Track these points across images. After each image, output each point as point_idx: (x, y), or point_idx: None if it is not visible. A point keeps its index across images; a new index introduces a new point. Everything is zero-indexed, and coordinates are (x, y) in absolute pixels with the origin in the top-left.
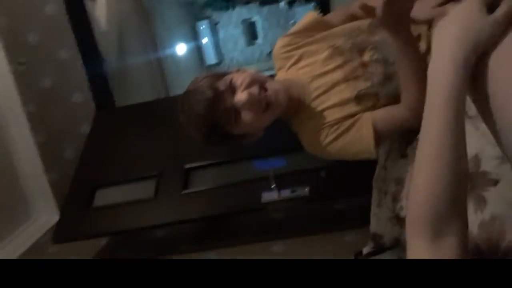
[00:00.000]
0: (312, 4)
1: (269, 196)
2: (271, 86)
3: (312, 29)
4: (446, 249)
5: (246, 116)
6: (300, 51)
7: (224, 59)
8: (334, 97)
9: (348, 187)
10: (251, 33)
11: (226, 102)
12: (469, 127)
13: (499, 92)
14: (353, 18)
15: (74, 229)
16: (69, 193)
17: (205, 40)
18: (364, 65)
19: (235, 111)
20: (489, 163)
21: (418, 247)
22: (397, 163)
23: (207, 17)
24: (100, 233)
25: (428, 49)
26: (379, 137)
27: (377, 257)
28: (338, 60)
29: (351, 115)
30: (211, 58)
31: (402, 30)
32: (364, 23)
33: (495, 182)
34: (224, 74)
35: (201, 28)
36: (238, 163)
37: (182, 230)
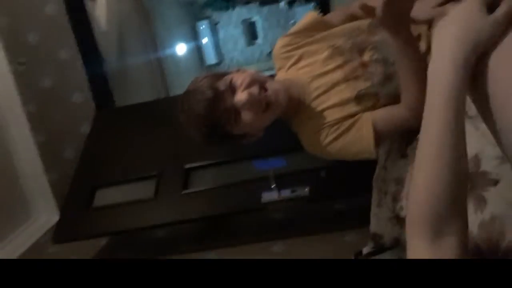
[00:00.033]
0: (312, 4)
1: (269, 196)
2: (271, 86)
3: (312, 29)
4: (446, 249)
5: (246, 116)
6: (300, 51)
7: (224, 59)
8: (334, 97)
9: (348, 187)
10: (251, 33)
11: (226, 102)
12: (469, 127)
13: (499, 92)
14: (353, 18)
15: (74, 229)
16: (69, 193)
17: (205, 40)
18: (364, 65)
19: (235, 111)
20: (489, 163)
21: (418, 247)
22: (397, 163)
23: (207, 17)
24: (100, 233)
25: (428, 49)
26: (379, 137)
27: (377, 257)
28: (338, 60)
29: (351, 115)
30: (211, 58)
31: (402, 30)
32: (364, 23)
33: (495, 182)
34: (224, 74)
35: (201, 28)
36: (238, 163)
37: (182, 230)
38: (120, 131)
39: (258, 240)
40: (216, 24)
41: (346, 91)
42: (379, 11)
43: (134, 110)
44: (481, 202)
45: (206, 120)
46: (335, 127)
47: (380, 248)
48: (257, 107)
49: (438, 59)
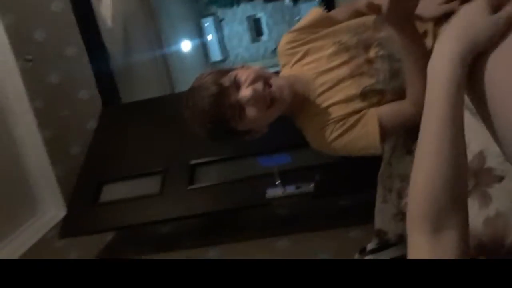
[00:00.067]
0: (317, 0)
1: (274, 192)
2: (275, 82)
3: (317, 25)
4: (446, 243)
5: (250, 112)
6: (305, 48)
7: (229, 56)
8: (339, 94)
9: (353, 184)
10: (256, 29)
11: (230, 98)
12: (474, 124)
13: (496, 93)
14: (358, 14)
15: (81, 224)
16: (76, 188)
17: (210, 37)
18: (369, 61)
19: (240, 107)
20: (494, 160)
21: (418, 242)
22: (403, 159)
23: (212, 14)
24: (106, 228)
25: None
26: (384, 132)
27: (381, 253)
28: (344, 57)
29: (357, 111)
30: (216, 54)
31: (407, 27)
32: (370, 19)
33: (500, 179)
34: (228, 71)
35: (206, 25)
36: (243, 159)
37: (187, 225)
38: (126, 127)
39: (263, 236)
40: (221, 21)
41: (351, 88)
42: (385, 8)
43: (140, 107)
44: (486, 198)
45: (210, 116)
46: (341, 123)
47: (384, 244)
48: (261, 103)
49: (437, 56)
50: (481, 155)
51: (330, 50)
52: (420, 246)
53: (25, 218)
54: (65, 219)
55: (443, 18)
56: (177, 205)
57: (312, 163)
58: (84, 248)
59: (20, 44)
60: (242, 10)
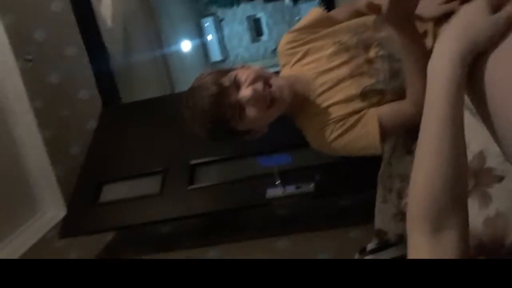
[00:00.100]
0: (317, 0)
1: (274, 192)
2: (275, 82)
3: (317, 25)
4: (446, 243)
5: (250, 112)
6: (305, 48)
7: (229, 56)
8: (339, 94)
9: (353, 184)
10: (256, 29)
11: (230, 98)
12: (474, 124)
13: (496, 93)
14: (358, 14)
15: (81, 224)
16: (76, 188)
17: (210, 37)
18: (369, 61)
19: (240, 107)
20: (494, 160)
21: (418, 242)
22: (403, 159)
23: (212, 14)
24: (107, 228)
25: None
26: (384, 132)
27: (381, 253)
28: (344, 57)
29: (357, 111)
30: (216, 54)
31: (407, 27)
32: (370, 19)
33: (500, 179)
34: (228, 71)
35: (206, 25)
36: (243, 159)
37: (187, 225)
38: (126, 127)
39: (263, 236)
40: (221, 21)
41: (351, 88)
42: (385, 8)
43: (140, 107)
44: (486, 198)
45: (210, 116)
46: (341, 123)
47: (384, 244)
48: (261, 103)
49: (437, 56)
50: (481, 155)
51: (330, 50)
52: (420, 246)
53: (25, 218)
54: (65, 219)
55: (443, 18)
56: (177, 205)
57: (312, 163)
58: (84, 248)
59: (20, 44)
60: (242, 10)
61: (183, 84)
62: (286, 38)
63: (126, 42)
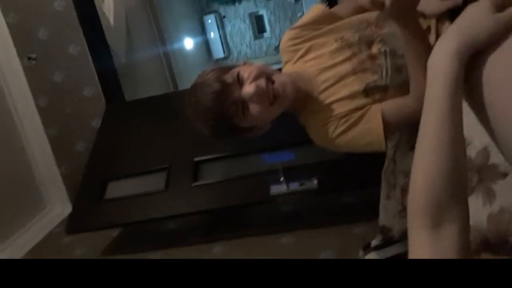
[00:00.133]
0: None
1: (278, 189)
2: (278, 78)
3: (319, 21)
4: (446, 237)
5: (253, 108)
6: (307, 44)
7: (231, 53)
8: (342, 90)
9: (357, 180)
10: (258, 26)
11: (233, 95)
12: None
13: (496, 97)
14: (360, 10)
15: (87, 221)
16: (82, 185)
17: (212, 34)
18: (372, 57)
19: (243, 103)
20: (499, 156)
21: (419, 236)
22: (406, 155)
23: (214, 11)
24: (112, 224)
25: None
26: (388, 128)
27: (385, 249)
28: (346, 53)
29: (360, 108)
30: (218, 52)
31: (410, 22)
32: (372, 15)
33: (504, 175)
34: (231, 67)
35: (208, 22)
36: (247, 156)
37: (192, 221)
38: (130, 125)
39: (267, 232)
40: (223, 18)
41: (354, 84)
42: (388, 3)
43: (144, 104)
44: (490, 194)
45: (213, 112)
46: (344, 119)
47: (388, 240)
48: (264, 99)
49: (436, 51)
50: (485, 151)
51: (332, 47)
52: (421, 241)
53: (32, 215)
54: (71, 216)
55: (445, 15)
56: (181, 202)
57: (316, 160)
58: (91, 244)
59: (24, 43)
60: (244, 7)
61: (186, 82)
62: (288, 34)
63: (129, 40)
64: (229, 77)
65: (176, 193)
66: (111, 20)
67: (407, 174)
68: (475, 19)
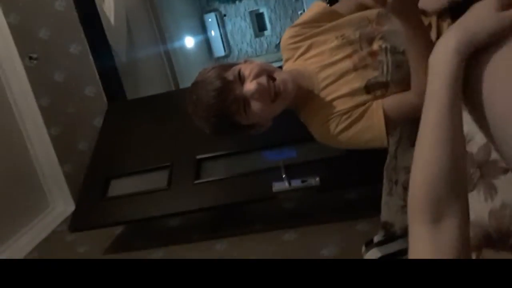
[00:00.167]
0: None
1: (280, 186)
2: (279, 76)
3: (320, 19)
4: (446, 232)
5: (255, 106)
6: (308, 42)
7: (232, 51)
8: (343, 87)
9: (359, 177)
10: (259, 24)
11: (235, 92)
12: None
13: (497, 99)
14: (361, 7)
15: (90, 219)
16: (84, 183)
17: (213, 33)
18: (373, 54)
19: (244, 101)
20: None
21: (419, 231)
22: (408, 152)
23: (215, 10)
24: (115, 222)
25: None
26: (390, 124)
27: (388, 245)
28: (347, 50)
29: (361, 104)
30: (219, 50)
31: (412, 18)
32: (373, 12)
33: (506, 170)
34: (232, 65)
35: (209, 20)
36: (248, 153)
37: (195, 219)
38: (132, 123)
39: (270, 229)
40: (223, 16)
41: (355, 81)
42: None
43: (145, 103)
44: (492, 190)
45: (215, 110)
46: (346, 116)
47: (391, 236)
48: (266, 96)
49: (437, 47)
50: (486, 147)
51: (333, 44)
52: (421, 236)
53: (35, 214)
54: (74, 214)
55: (447, 12)
56: (184, 199)
57: (317, 157)
58: (94, 241)
59: (25, 43)
60: (245, 5)
61: (187, 80)
62: (288, 32)
63: (130, 39)
64: (230, 75)
65: (179, 191)
66: (112, 20)
67: (408, 171)
68: (478, 17)
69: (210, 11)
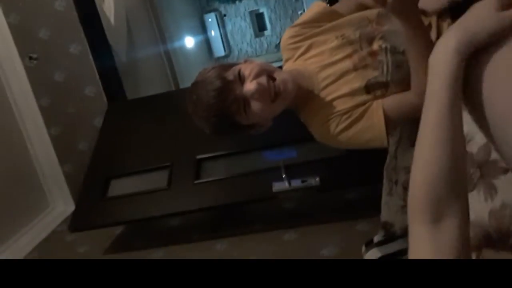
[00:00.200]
0: None
1: (280, 186)
2: (279, 76)
3: (320, 19)
4: (446, 232)
5: (255, 106)
6: (308, 42)
7: (232, 51)
8: (343, 87)
9: (359, 177)
10: (259, 24)
11: (235, 92)
12: None
13: (498, 100)
14: (361, 7)
15: (90, 218)
16: (84, 183)
17: (213, 33)
18: (373, 54)
19: (244, 100)
20: None
21: (419, 231)
22: (408, 152)
23: (215, 10)
24: (115, 222)
25: (438, 38)
26: (390, 124)
27: (388, 245)
28: (347, 50)
29: (361, 104)
30: (219, 50)
31: (412, 17)
32: (373, 12)
33: (506, 170)
34: (232, 65)
35: (209, 20)
36: (248, 153)
37: (195, 219)
38: (132, 123)
39: (270, 229)
40: (223, 16)
41: (355, 81)
42: None
43: (145, 103)
44: (492, 190)
45: (215, 110)
46: (346, 116)
47: (391, 236)
48: (266, 96)
49: (437, 47)
50: (486, 147)
51: (333, 44)
52: (421, 236)
53: (35, 214)
54: (74, 214)
55: (447, 12)
56: (184, 199)
57: (317, 156)
58: (94, 241)
59: (25, 43)
60: (245, 5)
61: (187, 80)
62: (288, 32)
63: (130, 39)
64: (230, 75)
65: (179, 190)
66: (112, 20)
67: (408, 171)
68: (478, 17)
69: (210, 11)
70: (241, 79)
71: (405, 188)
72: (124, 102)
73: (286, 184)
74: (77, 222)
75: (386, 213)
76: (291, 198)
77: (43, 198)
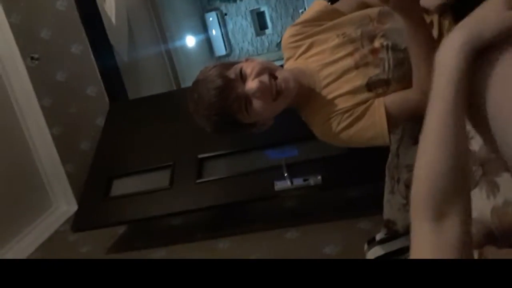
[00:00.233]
0: None
1: (282, 184)
2: (281, 74)
3: (321, 18)
4: (448, 230)
5: (256, 104)
6: (309, 40)
7: (233, 50)
8: (345, 85)
9: (361, 175)
10: (260, 23)
11: (237, 90)
12: None
13: (505, 100)
14: (362, 5)
15: (92, 218)
16: (87, 183)
17: (214, 32)
18: (374, 51)
19: (246, 99)
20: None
21: (421, 229)
22: (410, 150)
23: (216, 9)
24: (118, 222)
25: (440, 36)
26: (392, 122)
27: (390, 243)
28: (348, 48)
29: (363, 102)
30: (220, 49)
31: (414, 14)
32: (374, 11)
33: (508, 168)
34: (233, 64)
35: (210, 19)
36: (250, 152)
37: (197, 218)
38: (134, 123)
39: (272, 228)
40: (224, 15)
41: (357, 79)
42: None
43: (147, 102)
44: (494, 187)
45: (216, 108)
46: (347, 114)
47: (393, 234)
48: (267, 95)
49: (442, 45)
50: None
51: (334, 42)
52: (423, 234)
53: (38, 214)
54: (77, 214)
55: (448, 10)
56: (186, 199)
57: (319, 155)
58: (97, 241)
59: (27, 43)
60: (246, 4)
61: (189, 79)
62: (289, 31)
63: (131, 38)
64: (231, 73)
65: (181, 190)
66: (113, 19)
67: (410, 169)
68: (485, 16)
69: (211, 10)
70: (242, 77)
71: (407, 186)
72: (125, 101)
73: (288, 182)
74: (80, 222)
75: (388, 211)
76: (293, 196)
77: (46, 198)
